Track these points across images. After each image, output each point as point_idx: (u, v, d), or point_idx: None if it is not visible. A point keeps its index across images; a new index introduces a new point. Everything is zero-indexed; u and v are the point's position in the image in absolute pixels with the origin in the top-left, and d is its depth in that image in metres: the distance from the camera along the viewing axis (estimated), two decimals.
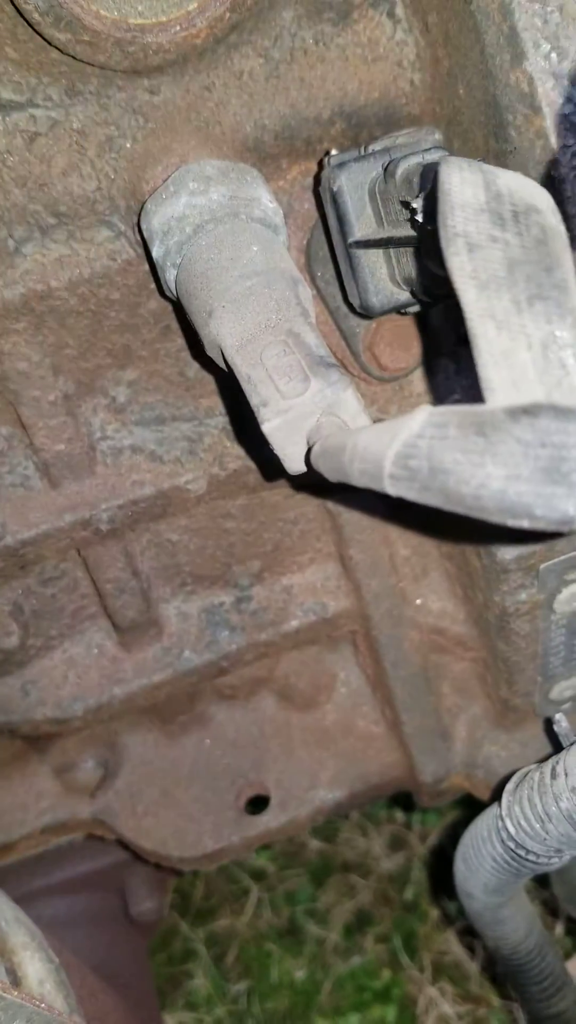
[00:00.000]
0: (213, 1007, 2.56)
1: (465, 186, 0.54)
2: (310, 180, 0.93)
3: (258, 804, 1.32)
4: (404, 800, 2.05)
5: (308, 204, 0.94)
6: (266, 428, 0.69)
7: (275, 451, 0.70)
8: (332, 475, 0.63)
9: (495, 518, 0.51)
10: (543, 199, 0.55)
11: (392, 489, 0.56)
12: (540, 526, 0.49)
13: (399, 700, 1.24)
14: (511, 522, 0.50)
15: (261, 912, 2.73)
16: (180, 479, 1.05)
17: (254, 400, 0.70)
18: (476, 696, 1.26)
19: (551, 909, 2.13)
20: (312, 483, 0.85)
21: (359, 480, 0.60)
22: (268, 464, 1.01)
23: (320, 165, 0.89)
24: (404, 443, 0.54)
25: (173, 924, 2.71)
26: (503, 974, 1.36)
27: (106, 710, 1.19)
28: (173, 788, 1.31)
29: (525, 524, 0.49)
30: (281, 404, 0.68)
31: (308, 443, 0.69)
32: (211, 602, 1.21)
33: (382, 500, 0.59)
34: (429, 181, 0.66)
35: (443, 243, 0.54)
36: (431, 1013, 2.48)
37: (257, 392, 0.70)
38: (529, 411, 0.47)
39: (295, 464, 0.71)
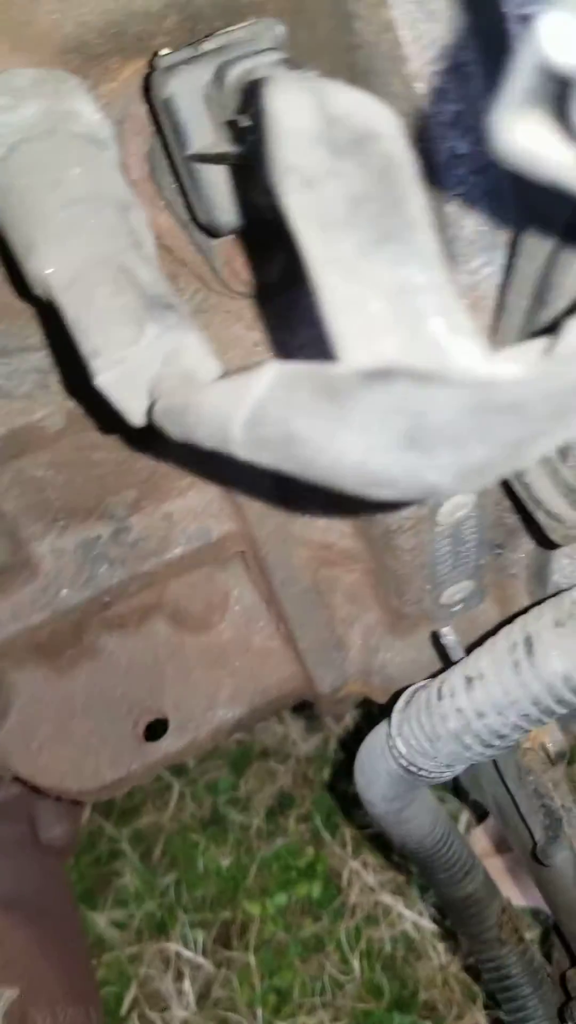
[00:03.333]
0: (143, 902, 2.62)
1: (295, 110, 0.47)
2: None
3: (157, 729, 1.30)
4: None
5: (147, 105, 0.85)
6: (100, 381, 0.62)
7: (113, 405, 0.64)
8: (177, 436, 0.58)
9: (357, 490, 0.46)
10: (386, 121, 0.48)
11: (244, 456, 0.52)
12: (404, 497, 0.45)
13: (292, 617, 1.22)
14: (374, 493, 0.46)
15: (184, 805, 2.78)
16: (33, 416, 0.97)
17: (85, 348, 0.63)
18: (369, 605, 1.24)
19: (455, 788, 2.20)
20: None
21: (207, 444, 0.55)
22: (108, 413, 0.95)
23: (150, 65, 0.80)
24: (252, 408, 0.49)
25: (98, 826, 2.74)
26: (413, 864, 1.40)
27: None
28: (67, 722, 1.27)
29: (388, 496, 0.45)
30: (115, 354, 0.62)
31: (149, 396, 0.63)
32: (87, 536, 1.15)
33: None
34: (258, 96, 0.58)
35: (275, 179, 0.47)
36: (355, 884, 2.58)
37: (88, 339, 0.63)
38: (383, 374, 0.43)
39: (136, 418, 0.64)
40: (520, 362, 0.43)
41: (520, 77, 0.37)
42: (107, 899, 2.61)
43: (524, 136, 0.38)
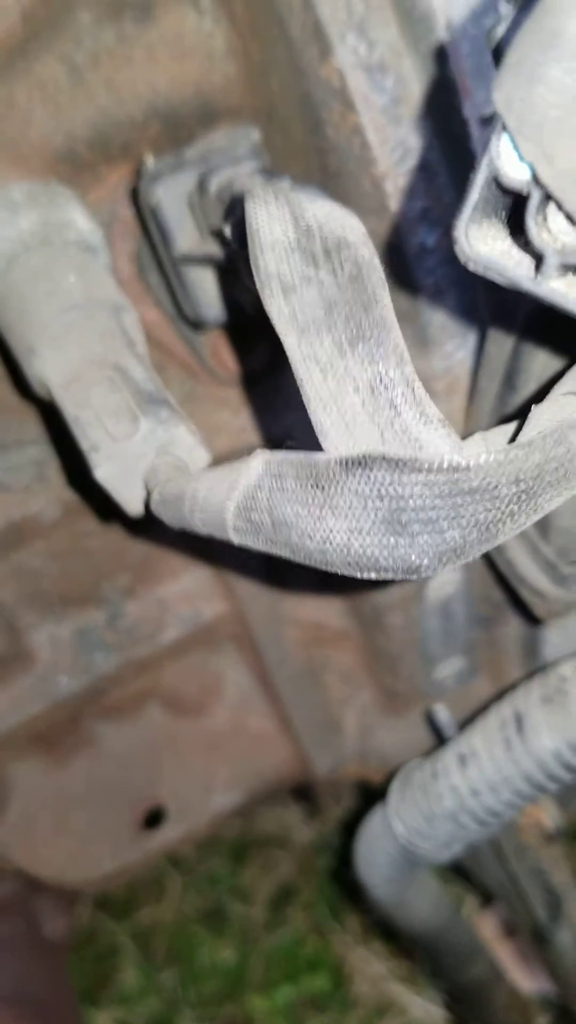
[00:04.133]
0: (144, 998, 2.56)
1: (273, 223, 0.51)
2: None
3: (156, 817, 1.30)
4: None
5: (134, 209, 0.90)
6: (99, 475, 0.65)
7: (111, 496, 0.67)
8: (174, 523, 0.61)
9: (343, 571, 0.49)
10: (354, 230, 0.52)
11: (237, 540, 0.55)
12: (388, 576, 0.48)
13: (286, 697, 1.23)
14: (359, 574, 0.49)
15: (184, 898, 2.73)
16: (31, 508, 1.00)
17: (84, 444, 0.66)
18: (363, 684, 1.25)
19: (460, 871, 2.18)
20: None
21: (202, 530, 0.58)
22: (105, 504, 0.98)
23: (138, 173, 0.84)
24: (243, 495, 0.52)
25: (97, 921, 2.69)
26: (418, 947, 1.38)
27: None
28: (66, 813, 1.27)
29: (373, 575, 0.48)
30: (112, 448, 0.65)
31: (146, 487, 0.66)
32: (83, 623, 1.17)
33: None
34: (238, 209, 0.63)
35: (258, 285, 0.51)
36: (362, 974, 2.52)
37: (86, 435, 0.66)
38: (363, 462, 0.46)
39: (134, 507, 0.67)
40: (488, 448, 0.46)
41: (478, 191, 0.40)
42: (108, 996, 2.54)
43: (483, 245, 0.41)
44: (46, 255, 0.74)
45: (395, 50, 0.73)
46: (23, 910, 1.60)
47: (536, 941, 1.21)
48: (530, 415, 0.48)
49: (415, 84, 0.75)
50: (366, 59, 0.73)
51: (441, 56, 0.73)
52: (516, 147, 0.40)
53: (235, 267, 0.70)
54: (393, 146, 0.77)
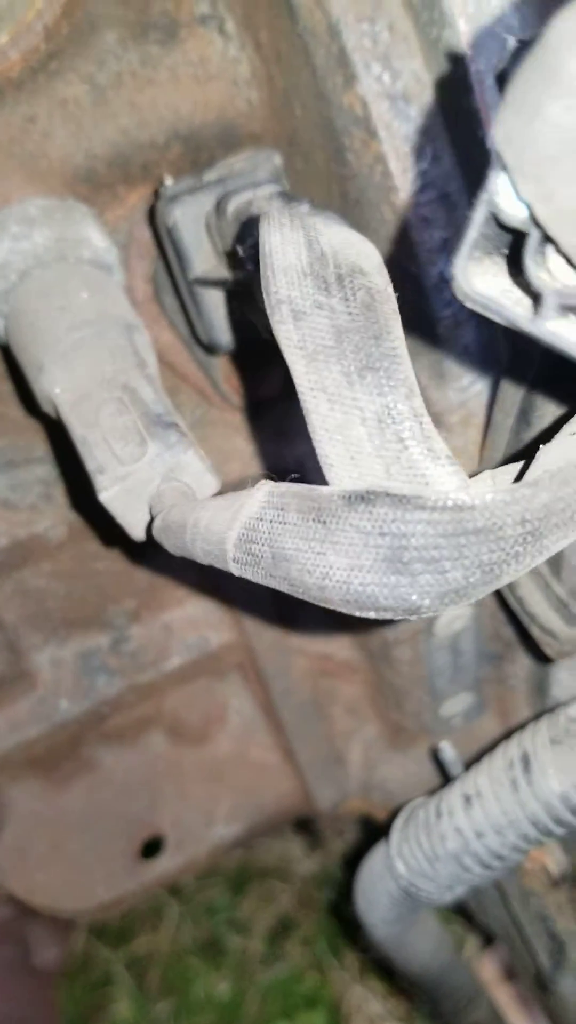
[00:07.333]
0: None
1: (287, 247, 0.50)
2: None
3: (154, 847, 1.27)
4: None
5: (151, 230, 0.89)
6: (103, 497, 0.64)
7: (116, 519, 0.66)
8: (176, 551, 0.60)
9: (341, 608, 0.48)
10: (369, 258, 0.51)
11: (237, 572, 0.53)
12: (387, 616, 0.46)
13: (290, 729, 1.21)
14: (358, 612, 0.47)
15: (181, 927, 2.68)
16: (37, 527, 0.99)
17: (90, 465, 0.65)
18: (368, 718, 1.23)
19: (461, 911, 2.14)
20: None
21: (203, 559, 0.56)
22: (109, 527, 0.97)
23: (156, 194, 0.84)
24: (245, 526, 0.51)
25: (91, 948, 2.64)
26: (418, 990, 1.35)
27: None
28: (63, 838, 1.25)
29: (372, 615, 0.47)
30: (119, 470, 0.64)
31: (150, 511, 0.64)
32: (87, 646, 1.15)
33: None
34: (254, 231, 0.62)
35: (268, 309, 0.50)
36: (360, 1013, 2.47)
37: (93, 456, 0.65)
38: (366, 498, 0.44)
39: (137, 532, 0.66)
40: (494, 487, 0.44)
41: (477, 228, 0.39)
42: None
43: (482, 283, 0.40)
44: (60, 271, 0.73)
45: (420, 80, 0.73)
46: (15, 937, 1.58)
47: (538, 988, 1.18)
48: (537, 454, 0.47)
49: (438, 115, 0.74)
50: (390, 88, 0.73)
51: (464, 87, 0.72)
52: (514, 185, 0.39)
53: (250, 290, 0.69)
54: (415, 175, 0.76)
